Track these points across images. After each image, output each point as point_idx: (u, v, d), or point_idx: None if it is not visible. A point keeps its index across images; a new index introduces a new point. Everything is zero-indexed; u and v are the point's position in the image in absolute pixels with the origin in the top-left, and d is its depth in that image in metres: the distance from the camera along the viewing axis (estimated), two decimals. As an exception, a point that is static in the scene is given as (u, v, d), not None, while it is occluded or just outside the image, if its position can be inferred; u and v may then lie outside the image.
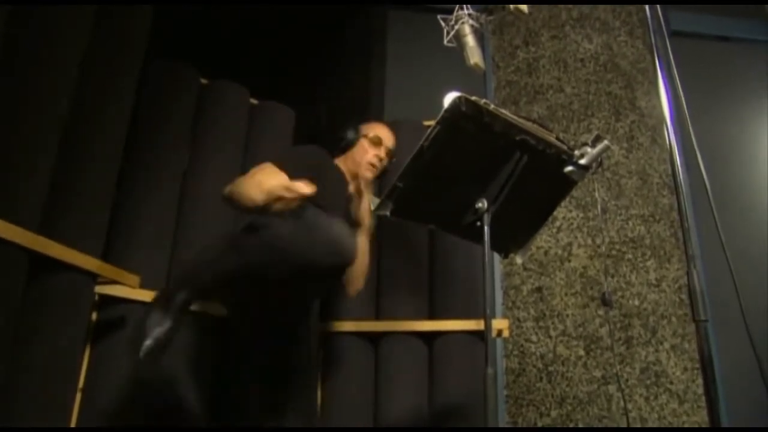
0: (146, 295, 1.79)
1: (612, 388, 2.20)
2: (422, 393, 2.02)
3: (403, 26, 3.10)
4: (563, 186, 1.47)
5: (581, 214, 2.48)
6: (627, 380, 2.21)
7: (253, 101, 2.31)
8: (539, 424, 2.22)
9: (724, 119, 2.99)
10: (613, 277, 2.38)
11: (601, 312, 2.30)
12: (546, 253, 2.46)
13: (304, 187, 1.32)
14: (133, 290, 1.72)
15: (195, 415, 1.79)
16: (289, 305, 1.63)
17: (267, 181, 1.54)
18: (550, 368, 2.28)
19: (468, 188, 1.36)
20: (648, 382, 2.21)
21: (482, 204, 1.34)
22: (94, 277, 1.55)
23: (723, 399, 2.37)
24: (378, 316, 2.14)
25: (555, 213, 1.92)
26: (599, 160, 1.39)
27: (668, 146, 1.23)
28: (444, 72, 2.64)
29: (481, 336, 2.04)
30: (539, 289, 2.41)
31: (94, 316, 1.72)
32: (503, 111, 1.32)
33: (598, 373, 2.23)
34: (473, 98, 1.26)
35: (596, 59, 2.75)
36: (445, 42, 1.82)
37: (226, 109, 2.18)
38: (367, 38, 3.04)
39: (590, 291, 2.36)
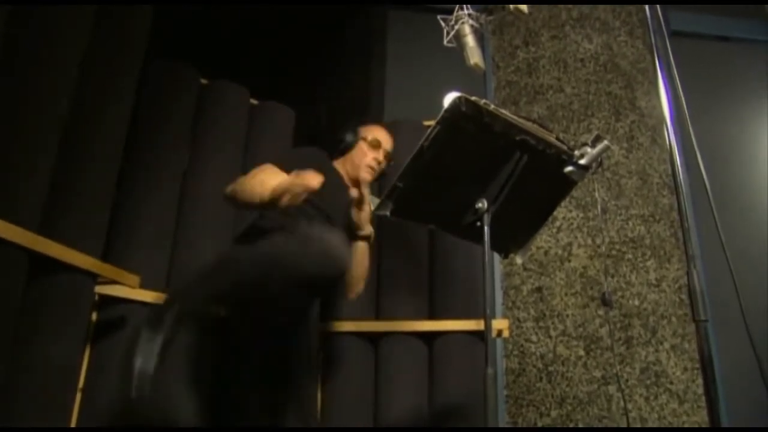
0: (146, 295, 1.79)
1: (612, 388, 2.20)
2: (422, 393, 2.02)
3: (403, 26, 3.10)
4: (563, 186, 1.47)
5: (581, 214, 2.48)
6: (627, 380, 2.21)
7: (253, 101, 2.31)
8: (539, 424, 2.22)
9: (724, 119, 2.99)
10: (613, 277, 2.38)
11: (601, 312, 2.30)
12: (546, 253, 2.46)
13: (313, 179, 1.31)
14: (133, 290, 1.72)
15: (195, 416, 1.79)
16: (287, 310, 1.62)
17: (270, 180, 1.54)
18: (550, 368, 2.28)
19: (468, 188, 1.36)
20: (648, 382, 2.21)
21: (482, 204, 1.34)
22: (94, 277, 1.55)
23: (723, 399, 2.37)
24: (378, 316, 2.14)
25: (555, 213, 1.92)
26: (599, 160, 1.39)
27: (668, 146, 1.23)
28: (444, 72, 2.64)
29: (481, 336, 2.04)
30: (539, 289, 2.41)
31: (94, 316, 1.72)
32: (503, 111, 1.32)
33: (598, 373, 2.23)
34: (473, 98, 1.26)
35: (596, 59, 2.75)
36: (445, 42, 1.83)
37: (226, 109, 2.18)
38: (367, 38, 3.04)
39: (590, 291, 2.36)
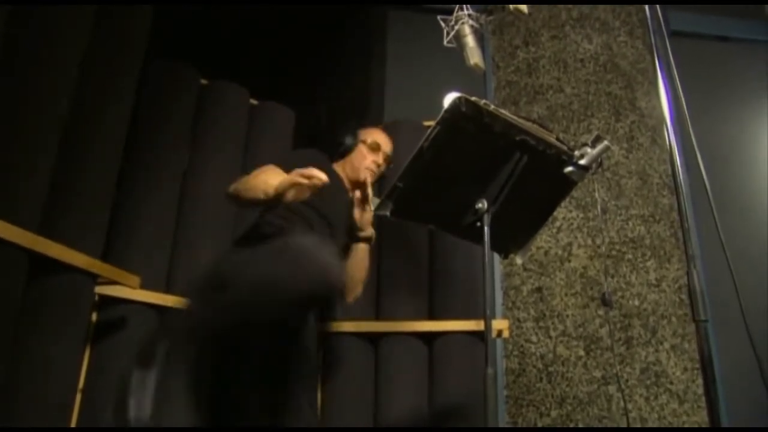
0: (146, 296, 1.79)
1: (612, 389, 2.20)
2: (422, 393, 2.02)
3: (403, 26, 3.10)
4: (563, 186, 1.47)
5: (581, 215, 2.48)
6: (627, 380, 2.21)
7: (253, 101, 2.31)
8: (539, 425, 2.22)
9: (724, 119, 2.99)
10: (613, 277, 2.38)
11: (601, 312, 2.30)
12: (546, 253, 2.46)
13: (317, 173, 1.31)
14: (133, 291, 1.73)
15: (195, 416, 1.79)
16: (281, 325, 1.61)
17: (272, 180, 1.54)
18: (550, 368, 2.27)
19: (468, 188, 1.36)
20: (648, 382, 2.21)
21: (482, 204, 1.34)
22: (94, 278, 1.55)
23: (723, 399, 2.37)
24: (378, 317, 2.14)
25: (555, 213, 1.92)
26: (599, 160, 1.39)
27: (668, 146, 1.23)
28: (444, 72, 2.64)
29: (481, 336, 2.04)
30: (539, 290, 2.41)
31: (94, 316, 1.72)
32: (503, 111, 1.32)
33: (598, 374, 2.23)
34: (473, 99, 1.26)
35: (596, 59, 2.75)
36: (445, 42, 1.83)
37: (226, 110, 2.18)
38: (367, 38, 3.04)
39: (590, 291, 2.36)
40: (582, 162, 1.38)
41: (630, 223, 2.47)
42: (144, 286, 1.76)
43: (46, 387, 1.38)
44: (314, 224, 1.67)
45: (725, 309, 2.19)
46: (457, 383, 1.99)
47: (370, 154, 1.86)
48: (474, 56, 1.80)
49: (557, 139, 1.40)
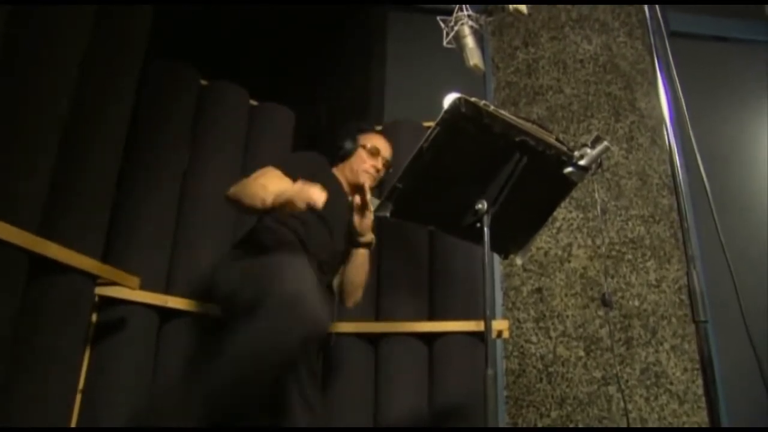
0: (146, 297, 1.79)
1: (612, 389, 2.20)
2: (422, 394, 2.02)
3: (403, 27, 3.10)
4: (563, 187, 1.47)
5: (581, 215, 2.48)
6: (627, 381, 2.21)
7: (253, 102, 2.31)
8: (539, 425, 2.22)
9: (724, 120, 2.99)
10: (613, 277, 2.38)
11: (601, 313, 2.30)
12: (546, 253, 2.46)
13: (317, 195, 1.32)
14: (133, 291, 1.73)
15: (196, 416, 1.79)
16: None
17: (271, 185, 1.54)
18: (550, 369, 2.27)
19: (468, 189, 1.36)
20: (648, 382, 2.21)
21: (482, 205, 1.34)
22: (94, 279, 1.55)
23: (723, 399, 2.37)
24: (378, 317, 2.14)
25: (555, 214, 1.92)
26: (599, 161, 1.39)
27: (668, 147, 1.23)
28: (444, 73, 2.64)
29: (481, 337, 2.04)
30: (539, 290, 2.41)
31: (94, 317, 1.72)
32: (503, 112, 1.32)
33: (598, 374, 2.23)
34: (473, 99, 1.26)
35: (596, 60, 2.75)
36: (444, 43, 1.83)
37: (225, 110, 2.19)
38: (367, 38, 3.04)
39: (590, 292, 2.36)
40: (582, 162, 1.38)
41: (630, 224, 2.47)
42: (144, 286, 1.76)
43: (46, 387, 1.38)
44: (313, 228, 1.67)
45: (725, 309, 2.19)
46: (457, 384, 1.98)
47: (369, 158, 1.87)
48: (474, 57, 1.80)
49: (557, 139, 1.40)
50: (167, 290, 1.89)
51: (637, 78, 2.78)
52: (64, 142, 1.44)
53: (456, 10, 1.81)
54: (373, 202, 1.68)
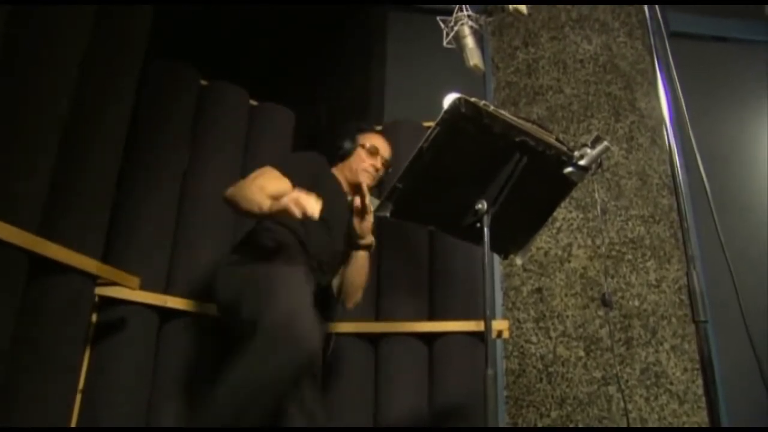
0: (146, 297, 1.79)
1: (612, 389, 2.20)
2: (422, 394, 2.02)
3: (403, 27, 3.10)
4: (563, 187, 1.47)
5: (581, 215, 2.48)
6: (627, 381, 2.21)
7: (253, 102, 2.31)
8: (539, 425, 2.22)
9: (724, 120, 2.99)
10: (612, 277, 2.38)
11: (601, 313, 2.30)
12: (546, 254, 2.46)
13: (313, 206, 1.33)
14: (133, 292, 1.73)
15: (195, 416, 1.79)
16: None
17: (269, 186, 1.54)
18: (550, 369, 2.27)
19: (468, 189, 1.36)
20: (648, 382, 2.21)
21: (482, 205, 1.34)
22: (94, 279, 1.55)
23: (723, 399, 2.37)
24: (378, 317, 2.14)
25: (555, 214, 1.91)
26: (599, 161, 1.39)
27: (668, 147, 1.23)
28: (444, 73, 2.64)
29: (481, 337, 2.04)
30: (539, 290, 2.41)
31: (94, 317, 1.72)
32: (503, 112, 1.32)
33: (598, 374, 2.23)
34: (473, 99, 1.26)
35: (596, 60, 2.75)
36: (444, 43, 1.83)
37: (225, 110, 2.19)
38: (367, 38, 3.04)
39: (590, 292, 2.36)
40: (582, 162, 1.38)
41: (630, 224, 2.47)
42: (144, 286, 1.76)
43: (46, 387, 1.38)
44: (313, 229, 1.67)
45: (725, 309, 2.19)
46: (457, 384, 1.99)
47: (368, 158, 1.86)
48: (473, 57, 1.80)
49: (557, 139, 1.40)
50: (167, 290, 1.89)
51: (637, 78, 2.78)
52: (64, 142, 1.44)
53: (456, 10, 1.81)
54: (373, 202, 1.67)
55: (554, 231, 2.48)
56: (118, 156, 1.68)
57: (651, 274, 2.40)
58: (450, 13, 1.83)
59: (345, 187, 1.86)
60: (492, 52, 3.00)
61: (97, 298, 1.69)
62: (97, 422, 1.62)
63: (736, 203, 2.79)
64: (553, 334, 2.32)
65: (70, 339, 1.47)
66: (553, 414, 2.21)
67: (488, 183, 1.36)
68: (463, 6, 1.80)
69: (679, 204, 1.19)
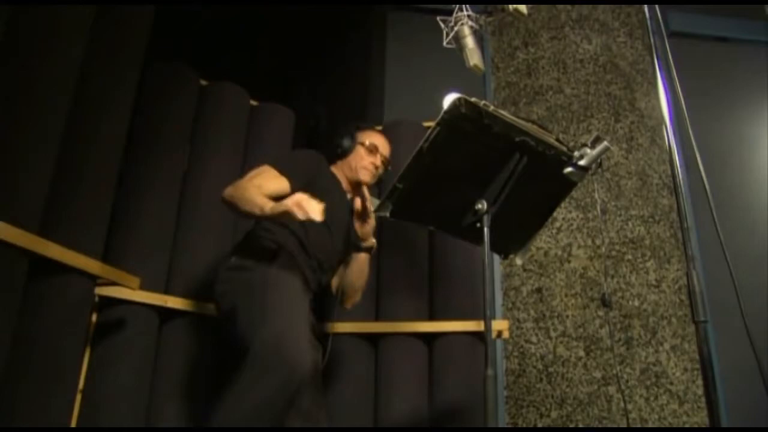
0: (146, 297, 1.79)
1: (612, 389, 2.20)
2: (422, 394, 2.02)
3: (403, 27, 3.10)
4: (563, 187, 1.47)
5: (581, 215, 2.48)
6: (627, 381, 2.21)
7: (253, 102, 2.31)
8: (539, 425, 2.22)
9: (724, 120, 2.99)
10: (612, 277, 2.38)
11: (601, 313, 2.30)
12: (546, 254, 2.46)
13: (315, 210, 1.34)
14: (133, 292, 1.73)
15: (195, 416, 1.79)
16: None
17: (267, 185, 1.54)
18: (550, 369, 2.27)
19: (468, 189, 1.36)
20: (648, 382, 2.21)
21: (482, 205, 1.34)
22: (94, 279, 1.55)
23: (723, 399, 2.37)
24: (378, 317, 2.14)
25: (555, 214, 1.91)
26: (599, 161, 1.39)
27: (668, 147, 1.23)
28: (443, 73, 2.64)
29: (481, 337, 2.04)
30: (539, 290, 2.41)
31: (94, 317, 1.72)
32: (503, 112, 1.32)
33: (598, 374, 2.23)
34: (473, 99, 1.26)
35: (596, 60, 2.75)
36: (444, 43, 1.82)
37: (225, 110, 2.19)
38: (367, 38, 3.04)
39: (590, 292, 2.36)
40: (581, 163, 1.38)
41: (630, 224, 2.47)
42: (144, 286, 1.76)
43: (46, 387, 1.38)
44: (313, 228, 1.67)
45: (725, 309, 2.18)
46: (457, 384, 1.98)
47: (368, 155, 1.86)
48: (473, 57, 1.80)
49: (557, 139, 1.40)
50: (167, 290, 1.89)
51: (637, 78, 2.78)
52: (65, 142, 1.44)
53: (456, 10, 1.80)
54: (373, 202, 1.67)
55: (554, 231, 2.48)
56: (118, 156, 1.68)
57: (651, 274, 2.40)
58: (450, 13, 1.83)
59: (345, 185, 1.86)
60: (492, 52, 3.00)
61: (97, 298, 1.69)
62: (97, 422, 1.62)
63: (737, 203, 2.79)
64: (553, 334, 2.32)
65: (70, 339, 1.47)
66: (553, 414, 2.21)
67: (488, 183, 1.36)
68: (463, 6, 1.80)
69: (679, 204, 1.19)
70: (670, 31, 2.90)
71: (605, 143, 1.36)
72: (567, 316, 2.33)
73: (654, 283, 2.39)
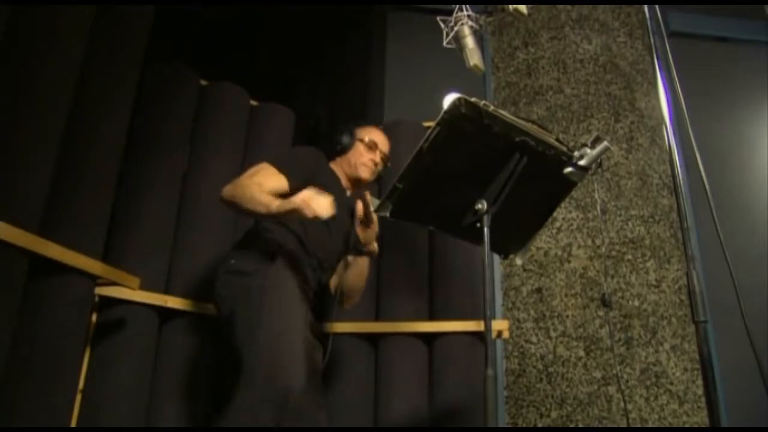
0: (146, 297, 1.79)
1: (612, 389, 2.20)
2: (422, 394, 2.02)
3: (403, 27, 3.10)
4: (563, 187, 1.47)
5: (581, 215, 2.48)
6: (627, 381, 2.21)
7: (253, 102, 2.31)
8: (539, 425, 2.22)
9: (724, 120, 2.99)
10: (612, 277, 2.38)
11: (601, 313, 2.30)
12: (546, 254, 2.46)
13: (324, 207, 1.33)
14: (133, 292, 1.73)
15: (195, 416, 1.79)
16: None
17: (267, 183, 1.54)
18: (550, 369, 2.27)
19: (468, 189, 1.36)
20: (648, 382, 2.21)
21: (482, 205, 1.34)
22: (94, 279, 1.55)
23: (723, 399, 2.37)
24: (378, 317, 2.14)
25: (555, 214, 1.91)
26: (599, 161, 1.39)
27: (668, 147, 1.23)
28: (443, 73, 2.64)
29: (481, 337, 2.04)
30: (539, 290, 2.41)
31: (94, 317, 1.72)
32: (503, 112, 1.32)
33: (598, 374, 2.23)
34: (473, 99, 1.26)
35: (596, 60, 2.75)
36: (444, 43, 1.82)
37: (225, 110, 2.19)
38: (367, 38, 3.04)
39: (590, 292, 2.36)
40: (581, 162, 1.38)
41: (630, 224, 2.47)
42: (144, 286, 1.76)
43: (46, 387, 1.38)
44: (312, 226, 1.66)
45: (725, 309, 2.18)
46: (457, 384, 1.99)
47: (367, 152, 1.85)
48: (473, 57, 1.80)
49: (557, 139, 1.40)
50: (167, 290, 1.89)
51: (637, 78, 2.78)
52: (65, 142, 1.44)
53: (456, 10, 1.80)
54: (373, 202, 1.67)
55: (554, 231, 2.48)
56: (118, 156, 1.68)
57: (651, 274, 2.40)
58: (450, 13, 1.83)
59: (344, 182, 1.85)
60: (492, 52, 3.00)
61: (97, 298, 1.69)
62: (97, 422, 1.62)
63: (737, 203, 2.79)
64: (553, 334, 2.32)
65: (70, 339, 1.47)
66: (553, 414, 2.21)
67: (488, 183, 1.36)
68: (463, 6, 1.80)
69: (679, 204, 1.19)
70: (670, 31, 2.90)
71: (605, 143, 1.36)
72: (567, 316, 2.33)
73: (654, 283, 2.39)
